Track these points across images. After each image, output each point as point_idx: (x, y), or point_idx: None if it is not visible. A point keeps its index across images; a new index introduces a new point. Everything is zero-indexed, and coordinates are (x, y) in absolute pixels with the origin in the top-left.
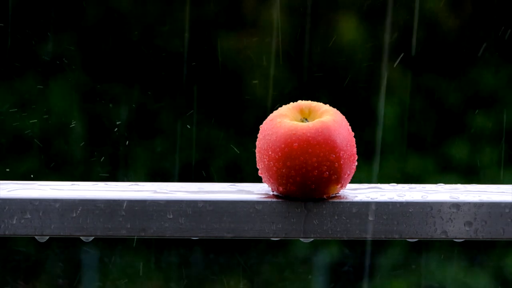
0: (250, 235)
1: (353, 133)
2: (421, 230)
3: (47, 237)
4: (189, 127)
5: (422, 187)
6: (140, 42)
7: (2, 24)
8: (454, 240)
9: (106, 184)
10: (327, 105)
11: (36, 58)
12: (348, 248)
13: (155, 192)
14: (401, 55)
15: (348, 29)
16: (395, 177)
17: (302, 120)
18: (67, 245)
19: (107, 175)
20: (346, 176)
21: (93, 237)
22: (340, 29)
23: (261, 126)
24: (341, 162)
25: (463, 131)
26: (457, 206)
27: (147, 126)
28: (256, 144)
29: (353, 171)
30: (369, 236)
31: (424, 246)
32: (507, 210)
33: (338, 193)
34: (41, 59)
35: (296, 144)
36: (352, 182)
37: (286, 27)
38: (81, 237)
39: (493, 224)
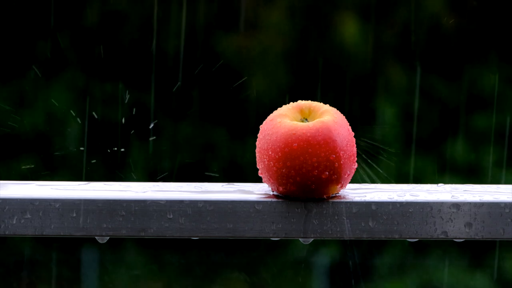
0: (250, 235)
1: (353, 133)
2: (421, 230)
3: (107, 238)
4: (189, 127)
5: (422, 187)
6: (139, 42)
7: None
8: (454, 240)
9: (106, 184)
10: (327, 105)
11: (35, 58)
12: (348, 248)
13: (155, 192)
14: (401, 55)
15: (349, 29)
16: (395, 177)
17: (302, 120)
18: (66, 245)
19: (107, 175)
20: (346, 176)
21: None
22: (341, 29)
23: (261, 126)
24: (341, 162)
25: (463, 131)
26: (457, 206)
27: (147, 126)
28: (256, 144)
29: (353, 171)
30: (369, 236)
31: (423, 246)
32: (507, 210)
33: (338, 193)
34: (40, 58)
35: (296, 144)
36: (352, 182)
37: (287, 27)
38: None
39: (493, 224)
